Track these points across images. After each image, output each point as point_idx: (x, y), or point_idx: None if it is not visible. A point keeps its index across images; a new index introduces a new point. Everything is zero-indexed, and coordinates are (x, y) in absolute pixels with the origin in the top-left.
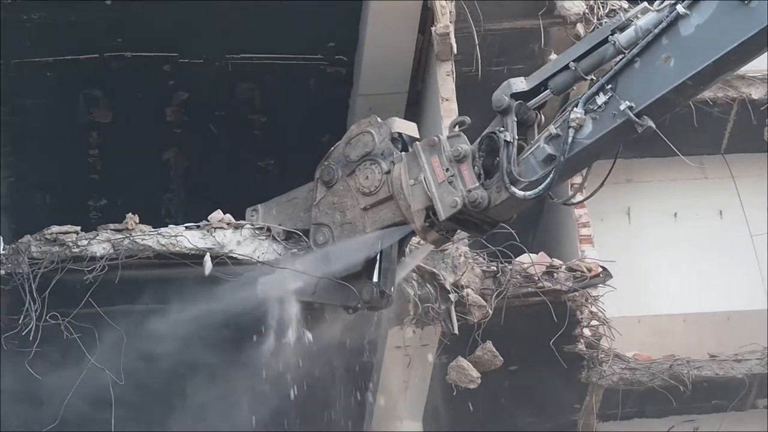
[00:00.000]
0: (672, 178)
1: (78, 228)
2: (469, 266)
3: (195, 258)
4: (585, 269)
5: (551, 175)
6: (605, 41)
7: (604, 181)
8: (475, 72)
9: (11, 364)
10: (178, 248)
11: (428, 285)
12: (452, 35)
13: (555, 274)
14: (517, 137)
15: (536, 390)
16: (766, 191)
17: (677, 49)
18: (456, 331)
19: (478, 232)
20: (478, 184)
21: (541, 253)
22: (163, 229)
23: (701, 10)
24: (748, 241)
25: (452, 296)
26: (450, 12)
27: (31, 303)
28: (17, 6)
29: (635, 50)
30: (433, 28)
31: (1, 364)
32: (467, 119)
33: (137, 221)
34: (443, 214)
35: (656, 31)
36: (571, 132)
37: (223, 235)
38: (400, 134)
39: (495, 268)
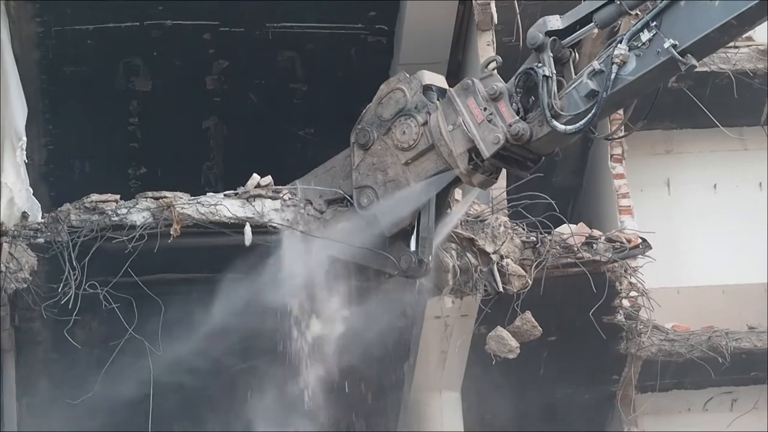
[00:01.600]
0: (712, 149)
1: (117, 196)
2: (508, 236)
3: (234, 227)
4: (624, 240)
5: (593, 110)
6: None
7: (646, 116)
8: (516, 42)
9: (50, 333)
10: (217, 217)
11: (467, 253)
12: (493, 5)
13: (594, 245)
14: (554, 72)
15: (575, 361)
16: None
17: None
18: (501, 289)
19: (522, 169)
20: (517, 118)
21: (581, 224)
22: (202, 198)
23: None
24: None
25: (494, 257)
26: None
27: (71, 271)
28: None
29: None
30: None
31: (41, 333)
32: (498, 58)
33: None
34: (487, 151)
35: None
36: (615, 68)
37: (263, 204)
38: (431, 87)
39: (534, 239)
